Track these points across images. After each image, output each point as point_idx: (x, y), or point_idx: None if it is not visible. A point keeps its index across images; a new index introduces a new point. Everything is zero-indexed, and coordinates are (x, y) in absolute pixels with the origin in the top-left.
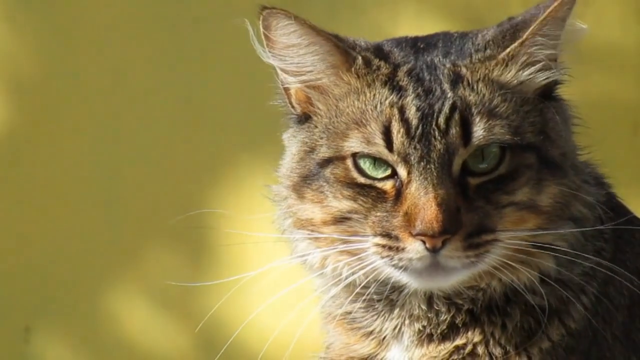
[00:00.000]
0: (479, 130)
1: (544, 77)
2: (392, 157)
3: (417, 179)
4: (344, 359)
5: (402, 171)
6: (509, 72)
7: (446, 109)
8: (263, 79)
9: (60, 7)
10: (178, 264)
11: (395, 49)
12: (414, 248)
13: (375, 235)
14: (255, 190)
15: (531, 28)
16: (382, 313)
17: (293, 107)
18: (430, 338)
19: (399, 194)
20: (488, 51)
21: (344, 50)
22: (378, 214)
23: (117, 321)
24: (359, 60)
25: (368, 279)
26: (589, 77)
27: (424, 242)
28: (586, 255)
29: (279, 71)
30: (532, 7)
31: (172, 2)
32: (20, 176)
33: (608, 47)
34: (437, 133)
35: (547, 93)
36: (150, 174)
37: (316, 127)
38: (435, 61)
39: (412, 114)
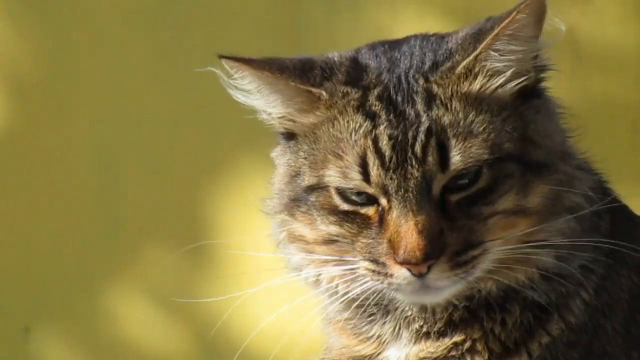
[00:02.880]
0: (456, 155)
1: (516, 83)
2: (370, 189)
3: (397, 207)
4: (345, 359)
5: (382, 200)
6: (476, 83)
7: (422, 135)
8: None
9: (60, 7)
10: (178, 264)
11: (370, 62)
12: (401, 274)
13: (364, 259)
14: (255, 191)
15: (483, 43)
16: (379, 319)
17: (277, 127)
18: (427, 336)
19: (382, 219)
20: (451, 61)
21: (306, 91)
22: (364, 240)
23: (117, 321)
24: (323, 95)
25: (364, 294)
26: (589, 77)
27: (410, 269)
28: (584, 243)
29: None
30: (506, 11)
31: (172, 2)
32: (20, 176)
33: (608, 47)
34: (413, 161)
35: (527, 93)
36: (150, 174)
37: (300, 149)
38: (409, 77)
39: (384, 144)
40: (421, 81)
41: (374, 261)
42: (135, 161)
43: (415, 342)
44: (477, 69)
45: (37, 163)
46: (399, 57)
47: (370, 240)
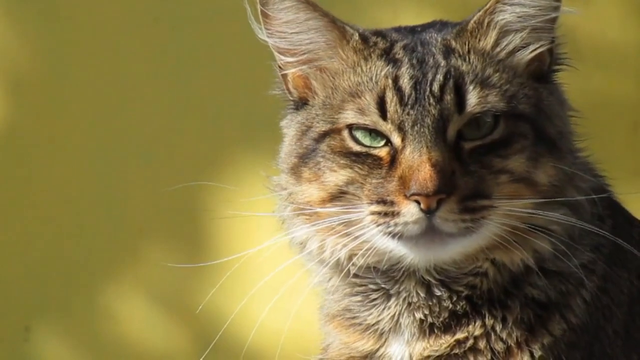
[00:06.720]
0: (472, 98)
1: (531, 50)
2: (386, 126)
3: (411, 143)
4: (344, 359)
5: (396, 139)
6: (490, 37)
7: (440, 76)
8: (261, 75)
9: (60, 7)
10: (178, 263)
11: (392, 32)
12: (409, 210)
13: (371, 203)
14: (254, 185)
15: None
16: (379, 304)
17: (290, 92)
18: (431, 329)
19: (393, 160)
20: (464, 23)
21: (341, 27)
22: (373, 180)
23: (116, 320)
24: (356, 36)
25: (366, 259)
26: (589, 76)
27: (418, 203)
28: (590, 232)
29: (276, 53)
30: None
31: (171, 2)
32: (20, 176)
33: (608, 47)
34: (431, 99)
35: (542, 75)
36: (149, 173)
37: (313, 107)
38: (428, 37)
39: (405, 82)
40: (440, 39)
41: (382, 202)
42: (135, 160)
43: (418, 337)
44: (487, 21)
45: (37, 163)
46: (419, 30)
47: (379, 180)
